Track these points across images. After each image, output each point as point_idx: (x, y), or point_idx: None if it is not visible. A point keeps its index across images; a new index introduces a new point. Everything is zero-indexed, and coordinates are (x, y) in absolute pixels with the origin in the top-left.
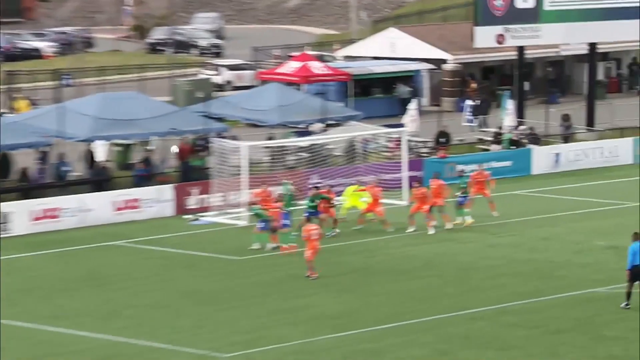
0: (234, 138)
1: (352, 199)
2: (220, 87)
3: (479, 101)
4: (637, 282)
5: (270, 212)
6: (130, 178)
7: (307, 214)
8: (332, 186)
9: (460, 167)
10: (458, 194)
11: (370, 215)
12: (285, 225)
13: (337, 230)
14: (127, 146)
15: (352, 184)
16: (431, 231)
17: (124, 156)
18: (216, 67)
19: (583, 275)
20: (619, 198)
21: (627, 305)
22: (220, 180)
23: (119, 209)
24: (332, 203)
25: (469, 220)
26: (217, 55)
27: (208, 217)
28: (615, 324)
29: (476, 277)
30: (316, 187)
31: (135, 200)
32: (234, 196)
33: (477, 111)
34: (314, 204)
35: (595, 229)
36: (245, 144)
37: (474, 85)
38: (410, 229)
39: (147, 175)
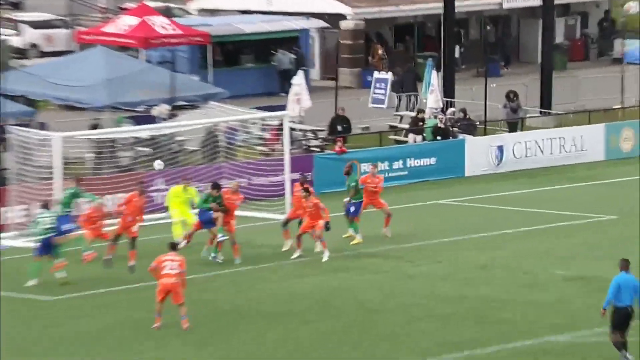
0: (42, 126)
1: (180, 208)
2: (21, 53)
3: (400, 73)
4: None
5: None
6: None
7: (201, 220)
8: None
9: (349, 161)
10: (346, 199)
11: (220, 231)
12: (65, 232)
13: (221, 257)
14: None
15: (177, 184)
16: (325, 257)
17: None
18: (15, 24)
19: (537, 318)
20: (585, 209)
21: (625, 356)
22: (22, 186)
23: None
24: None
25: (358, 238)
26: (16, 6)
27: (4, 240)
28: None
29: (387, 321)
30: (216, 185)
31: None
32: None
33: (396, 88)
34: (208, 205)
35: (553, 253)
36: (59, 134)
37: (380, 51)
38: (296, 254)
39: None
